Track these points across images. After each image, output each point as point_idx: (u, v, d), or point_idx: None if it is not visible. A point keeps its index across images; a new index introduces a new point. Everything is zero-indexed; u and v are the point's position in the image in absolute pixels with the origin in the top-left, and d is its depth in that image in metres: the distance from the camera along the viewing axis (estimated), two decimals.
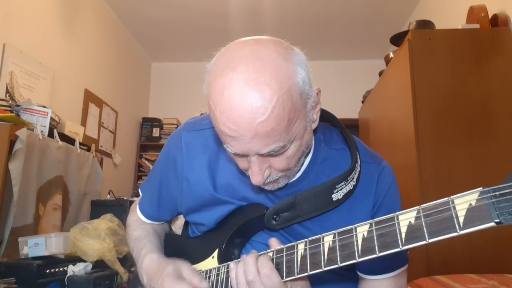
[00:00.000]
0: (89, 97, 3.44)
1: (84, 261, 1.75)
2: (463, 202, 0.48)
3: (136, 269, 0.90)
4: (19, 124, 2.05)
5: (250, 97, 0.59)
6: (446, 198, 0.51)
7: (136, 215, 0.98)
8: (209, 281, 0.79)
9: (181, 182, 0.87)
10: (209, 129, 0.86)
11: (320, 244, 0.63)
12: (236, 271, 0.68)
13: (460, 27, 2.05)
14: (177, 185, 0.88)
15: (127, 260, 2.03)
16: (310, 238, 0.65)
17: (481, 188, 0.48)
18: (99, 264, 1.79)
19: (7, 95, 2.34)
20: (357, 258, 0.56)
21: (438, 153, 1.84)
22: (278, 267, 0.67)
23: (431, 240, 0.50)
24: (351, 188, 0.76)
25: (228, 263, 0.75)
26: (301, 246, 0.66)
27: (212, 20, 3.91)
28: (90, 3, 3.48)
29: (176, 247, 0.95)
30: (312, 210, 0.75)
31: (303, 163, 0.78)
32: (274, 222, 0.76)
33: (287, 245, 0.68)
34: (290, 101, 0.61)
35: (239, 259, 0.72)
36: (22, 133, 1.99)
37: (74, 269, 1.67)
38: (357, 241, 0.57)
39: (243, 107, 0.59)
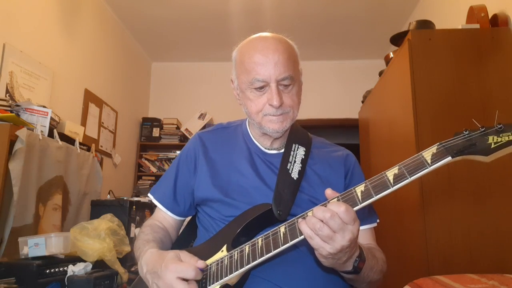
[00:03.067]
0: (89, 97, 3.44)
1: (84, 261, 1.75)
2: (428, 152, 0.74)
3: (138, 271, 0.95)
4: (19, 124, 2.05)
5: (273, 40, 0.98)
6: (417, 154, 0.75)
7: (149, 227, 1.07)
8: (222, 265, 0.87)
9: (195, 166, 1.08)
10: (219, 129, 1.15)
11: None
12: (308, 217, 0.75)
13: (460, 27, 2.05)
14: (191, 170, 1.08)
15: (127, 260, 2.03)
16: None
17: (438, 143, 0.74)
18: (99, 264, 1.79)
19: (7, 95, 2.34)
20: (359, 204, 0.75)
21: None
22: None
23: (412, 177, 0.73)
24: (299, 169, 1.01)
25: (244, 245, 0.86)
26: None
27: (212, 20, 3.92)
28: (90, 3, 3.48)
29: None
30: (291, 193, 0.96)
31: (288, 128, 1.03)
32: (280, 214, 0.92)
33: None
34: (294, 52, 1.03)
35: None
36: (22, 133, 1.98)
37: (74, 269, 1.66)
38: (357, 194, 0.77)
39: (270, 43, 0.97)
